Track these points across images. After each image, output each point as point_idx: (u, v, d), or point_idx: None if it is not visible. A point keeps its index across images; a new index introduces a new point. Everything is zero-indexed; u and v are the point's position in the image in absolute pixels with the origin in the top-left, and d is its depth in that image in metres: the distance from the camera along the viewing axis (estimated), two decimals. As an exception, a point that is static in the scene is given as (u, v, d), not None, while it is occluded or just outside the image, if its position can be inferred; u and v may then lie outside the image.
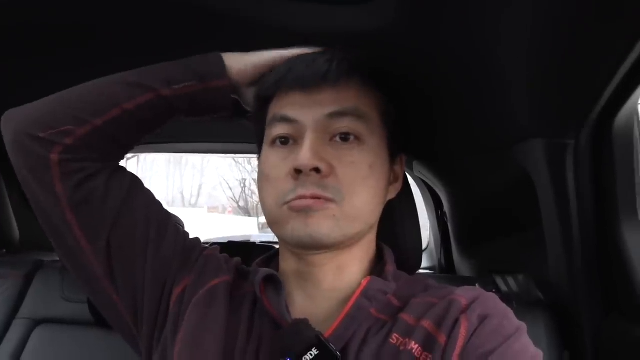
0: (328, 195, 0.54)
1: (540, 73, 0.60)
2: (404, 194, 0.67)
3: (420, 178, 1.22)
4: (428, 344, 0.51)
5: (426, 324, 0.52)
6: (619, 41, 0.52)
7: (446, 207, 1.15)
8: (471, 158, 0.85)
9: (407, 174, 0.71)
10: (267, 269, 0.59)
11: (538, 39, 0.55)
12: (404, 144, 0.64)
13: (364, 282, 0.56)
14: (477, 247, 1.07)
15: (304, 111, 0.57)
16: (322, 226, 0.54)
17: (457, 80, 0.68)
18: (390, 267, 0.60)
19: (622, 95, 0.60)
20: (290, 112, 0.57)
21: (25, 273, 1.01)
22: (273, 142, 0.58)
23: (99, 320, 0.91)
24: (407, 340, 0.52)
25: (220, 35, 0.68)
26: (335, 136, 0.57)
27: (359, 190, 0.56)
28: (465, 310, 0.53)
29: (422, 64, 0.66)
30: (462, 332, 0.51)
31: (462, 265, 1.17)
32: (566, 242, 0.71)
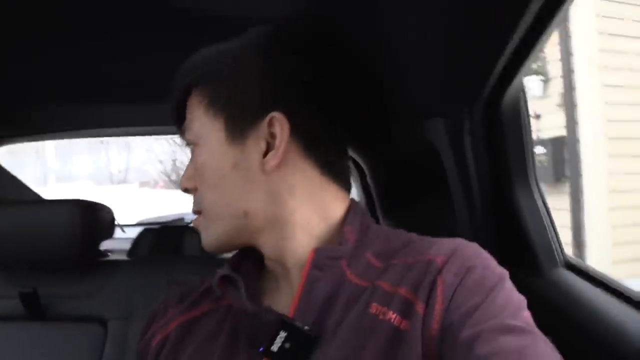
0: (196, 208, 0.60)
1: (437, 54, 0.66)
2: None
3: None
4: (406, 311, 0.50)
5: (403, 290, 0.51)
6: (504, 23, 0.57)
7: (368, 176, 1.22)
8: (386, 132, 0.91)
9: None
10: (222, 270, 0.58)
11: (434, 20, 0.60)
12: (268, 105, 0.57)
13: (310, 255, 0.54)
14: (397, 212, 1.16)
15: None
16: (203, 238, 0.60)
17: (366, 59, 0.73)
18: (350, 228, 0.57)
19: (509, 73, 0.67)
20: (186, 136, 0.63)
21: None
22: None
23: (35, 314, 0.92)
24: (385, 309, 0.50)
25: (153, 23, 0.69)
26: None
27: (207, 191, 0.59)
28: (441, 270, 0.51)
29: (330, 43, 0.70)
30: (439, 295, 0.49)
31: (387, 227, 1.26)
32: (469, 207, 0.80)
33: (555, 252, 0.77)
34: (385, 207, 1.23)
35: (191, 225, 1.04)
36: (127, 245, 1.13)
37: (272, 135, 0.56)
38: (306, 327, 0.51)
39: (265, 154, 0.56)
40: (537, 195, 0.79)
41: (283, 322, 0.51)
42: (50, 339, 0.91)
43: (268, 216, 0.57)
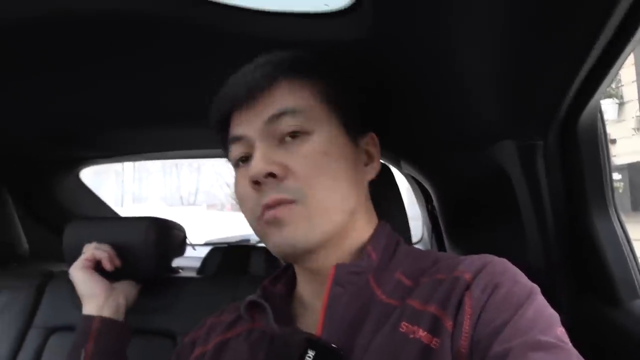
0: (289, 197, 0.54)
1: (507, 78, 0.64)
2: (389, 186, 0.72)
3: (409, 174, 1.28)
4: (436, 329, 0.49)
5: (432, 308, 0.50)
6: (578, 43, 0.56)
7: (435, 200, 1.20)
8: (452, 156, 0.90)
9: (395, 169, 0.74)
10: (251, 296, 0.59)
11: (504, 43, 0.59)
12: (368, 123, 0.64)
13: (332, 271, 0.54)
14: (465, 237, 1.13)
15: (247, 125, 0.58)
16: (297, 232, 0.54)
17: (432, 84, 0.72)
18: (372, 247, 0.58)
19: (585, 95, 0.65)
20: (238, 131, 0.58)
21: (38, 284, 1.06)
22: (236, 164, 0.60)
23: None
24: (415, 327, 0.50)
25: (208, 50, 0.73)
26: (283, 138, 0.57)
27: (320, 182, 0.55)
28: (469, 286, 0.50)
29: (398, 68, 0.71)
30: (467, 312, 0.48)
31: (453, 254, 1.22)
32: (542, 232, 0.76)
33: (636, 283, 0.72)
34: (452, 233, 1.20)
35: (258, 245, 1.06)
36: (195, 263, 1.17)
37: (367, 153, 0.63)
38: (333, 345, 0.50)
39: (366, 164, 0.63)
40: (615, 222, 0.74)
41: (310, 341, 0.50)
42: (129, 350, 0.95)
43: (361, 221, 0.60)
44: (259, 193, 0.55)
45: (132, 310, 0.95)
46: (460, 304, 0.49)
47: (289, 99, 0.57)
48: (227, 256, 1.02)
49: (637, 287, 0.72)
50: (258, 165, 0.54)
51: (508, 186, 0.80)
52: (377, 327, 0.52)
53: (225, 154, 0.64)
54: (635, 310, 0.70)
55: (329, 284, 0.54)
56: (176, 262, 1.08)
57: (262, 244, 0.82)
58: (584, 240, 0.75)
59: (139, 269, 0.94)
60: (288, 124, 0.56)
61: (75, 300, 1.01)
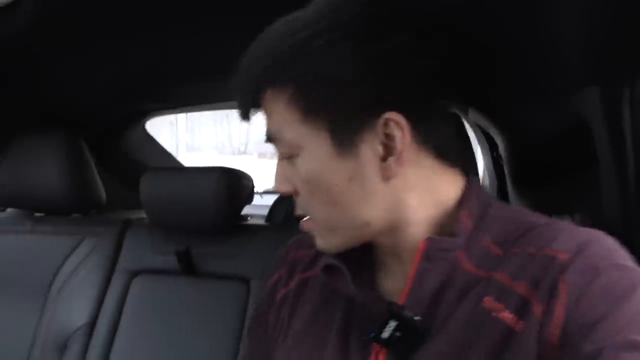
0: (304, 213, 0.55)
1: (596, 18, 0.61)
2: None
3: (475, 123, 1.25)
4: (523, 311, 0.45)
5: (521, 287, 0.46)
6: None
7: (501, 150, 1.17)
8: (527, 107, 0.87)
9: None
10: (326, 258, 0.56)
11: None
12: (368, 112, 0.50)
13: (422, 246, 0.50)
14: (533, 188, 1.10)
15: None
16: (323, 242, 0.54)
17: (510, 30, 0.69)
18: (467, 212, 0.52)
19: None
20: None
21: (119, 230, 1.14)
22: None
23: (186, 269, 1.02)
24: (500, 306, 0.46)
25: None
26: None
27: (319, 206, 0.52)
28: (565, 268, 0.45)
29: (474, 15, 0.68)
30: (562, 299, 0.44)
31: (518, 205, 1.20)
32: (622, 184, 0.74)
33: None
34: (519, 184, 1.17)
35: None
36: (262, 211, 1.21)
37: (389, 137, 0.50)
38: (417, 318, 0.49)
39: (384, 158, 0.50)
40: None
41: (392, 312, 0.49)
42: (200, 293, 1.02)
43: (390, 220, 0.52)
44: None
45: (204, 255, 1.00)
46: (553, 288, 0.44)
47: (270, 119, 0.53)
48: (293, 204, 1.05)
49: None
50: (274, 183, 0.56)
51: (585, 137, 0.77)
52: (459, 298, 0.49)
53: None
54: None
55: (418, 258, 0.50)
56: (244, 210, 1.12)
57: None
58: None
59: (212, 217, 0.99)
60: (278, 149, 0.54)
61: (154, 245, 1.08)
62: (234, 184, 1.00)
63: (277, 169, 0.55)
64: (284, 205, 1.07)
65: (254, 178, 1.11)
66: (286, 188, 0.54)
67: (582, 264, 0.45)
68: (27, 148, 1.19)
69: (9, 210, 1.34)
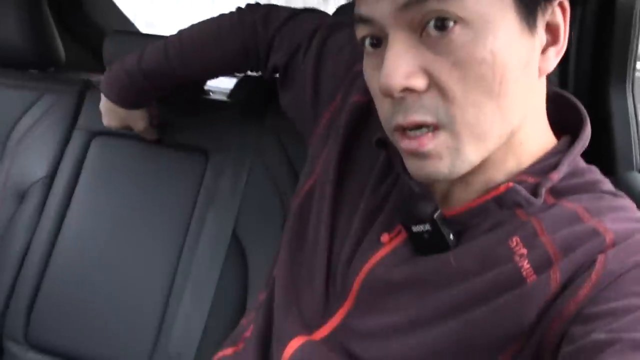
0: (433, 120, 0.43)
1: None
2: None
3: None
4: (541, 268, 0.43)
5: (550, 245, 0.43)
6: None
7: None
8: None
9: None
10: (380, 136, 0.54)
11: None
12: None
13: (502, 189, 0.46)
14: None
15: (376, 5, 0.43)
16: (440, 165, 0.45)
17: None
18: (557, 173, 0.47)
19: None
20: (363, 9, 0.44)
21: (79, 89, 1.14)
22: (362, 44, 0.47)
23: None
24: (524, 251, 0.44)
25: None
26: (424, 29, 0.41)
27: (477, 102, 0.42)
28: (606, 249, 0.42)
29: None
30: (592, 279, 0.40)
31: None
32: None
33: (634, 157, 0.80)
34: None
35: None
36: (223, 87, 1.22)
37: (551, 25, 0.45)
38: (451, 236, 0.48)
39: (544, 49, 0.45)
40: (630, 101, 0.79)
41: (433, 219, 0.48)
42: (158, 159, 1.06)
43: (523, 134, 0.48)
44: (393, 106, 0.44)
45: (167, 126, 1.03)
46: (585, 264, 0.41)
47: None
48: (258, 84, 1.07)
49: (635, 160, 0.79)
50: (390, 75, 0.41)
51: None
52: (490, 227, 0.48)
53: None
54: (627, 180, 0.78)
55: (488, 197, 0.47)
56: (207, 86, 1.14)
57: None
58: (597, 113, 0.80)
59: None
60: (434, 8, 0.40)
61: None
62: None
63: (396, 55, 0.42)
64: (249, 84, 1.10)
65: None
66: (415, 83, 0.42)
67: (625, 252, 0.41)
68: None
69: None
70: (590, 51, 0.75)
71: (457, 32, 0.40)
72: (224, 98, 1.12)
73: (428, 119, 0.43)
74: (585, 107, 0.81)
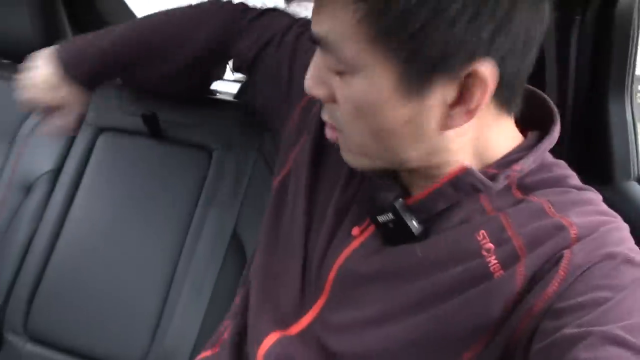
0: (334, 123, 0.49)
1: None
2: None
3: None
4: (508, 263, 0.44)
5: (518, 240, 0.44)
6: None
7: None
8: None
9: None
10: None
11: None
12: (464, 55, 0.41)
13: (456, 171, 0.47)
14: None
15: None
16: (348, 158, 0.51)
17: None
18: (519, 166, 0.47)
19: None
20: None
21: None
22: None
23: (153, 132, 1.07)
24: (491, 246, 0.45)
25: None
26: None
27: (357, 132, 0.47)
28: (572, 243, 0.42)
29: None
30: (560, 275, 0.41)
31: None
32: (562, 108, 0.82)
33: (632, 166, 0.80)
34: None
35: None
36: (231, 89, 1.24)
37: (466, 85, 0.42)
38: (415, 223, 0.49)
39: (451, 106, 0.44)
40: (628, 110, 0.80)
41: (394, 207, 0.49)
42: (163, 156, 1.07)
43: (428, 161, 0.49)
44: None
45: (171, 122, 1.05)
46: (553, 260, 0.42)
47: (327, 21, 0.43)
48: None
49: (632, 169, 0.80)
50: (307, 82, 0.48)
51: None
52: (459, 222, 0.48)
53: None
54: (625, 189, 0.78)
55: (444, 180, 0.48)
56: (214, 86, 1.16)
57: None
58: (595, 122, 0.81)
59: (182, 85, 1.02)
60: (326, 57, 0.45)
61: (122, 105, 1.12)
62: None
63: (313, 67, 0.47)
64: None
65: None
66: (320, 93, 0.47)
67: (591, 245, 0.42)
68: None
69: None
70: (588, 59, 0.76)
71: (346, 77, 0.45)
72: (230, 98, 1.14)
73: (332, 122, 0.50)
74: (584, 115, 0.82)
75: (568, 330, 0.38)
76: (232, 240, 0.99)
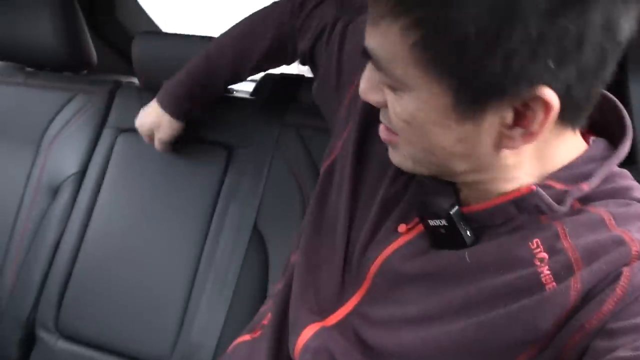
0: (389, 125, 0.49)
1: None
2: None
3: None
4: (561, 276, 0.41)
5: (573, 251, 0.42)
6: None
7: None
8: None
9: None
10: None
11: None
12: (523, 82, 0.38)
13: (524, 191, 0.45)
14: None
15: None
16: (394, 159, 0.51)
17: None
18: (587, 186, 0.44)
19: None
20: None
21: (110, 89, 1.19)
22: None
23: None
24: (544, 255, 0.43)
25: None
26: None
27: (410, 145, 0.48)
28: (633, 261, 0.40)
29: None
30: (617, 293, 0.39)
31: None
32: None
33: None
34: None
35: (308, 77, 1.13)
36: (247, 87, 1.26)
37: (526, 107, 0.40)
38: (469, 233, 0.48)
39: (510, 126, 0.41)
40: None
41: (449, 215, 0.48)
42: (183, 154, 1.10)
43: (477, 176, 0.48)
44: None
45: (191, 122, 1.07)
46: (610, 278, 0.40)
47: (381, 41, 0.42)
48: (278, 83, 1.10)
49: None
50: (361, 86, 0.48)
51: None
52: (511, 228, 0.46)
53: None
54: None
55: (507, 198, 0.46)
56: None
57: (311, 75, 0.89)
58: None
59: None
60: (379, 72, 0.45)
61: (142, 105, 1.14)
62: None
63: (367, 75, 0.48)
64: (270, 83, 1.13)
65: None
66: (374, 99, 0.48)
67: None
68: (20, 1, 1.20)
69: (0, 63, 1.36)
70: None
71: (402, 94, 0.44)
72: (247, 96, 1.15)
73: (389, 125, 0.49)
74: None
75: (622, 353, 0.36)
76: (253, 235, 1.01)
